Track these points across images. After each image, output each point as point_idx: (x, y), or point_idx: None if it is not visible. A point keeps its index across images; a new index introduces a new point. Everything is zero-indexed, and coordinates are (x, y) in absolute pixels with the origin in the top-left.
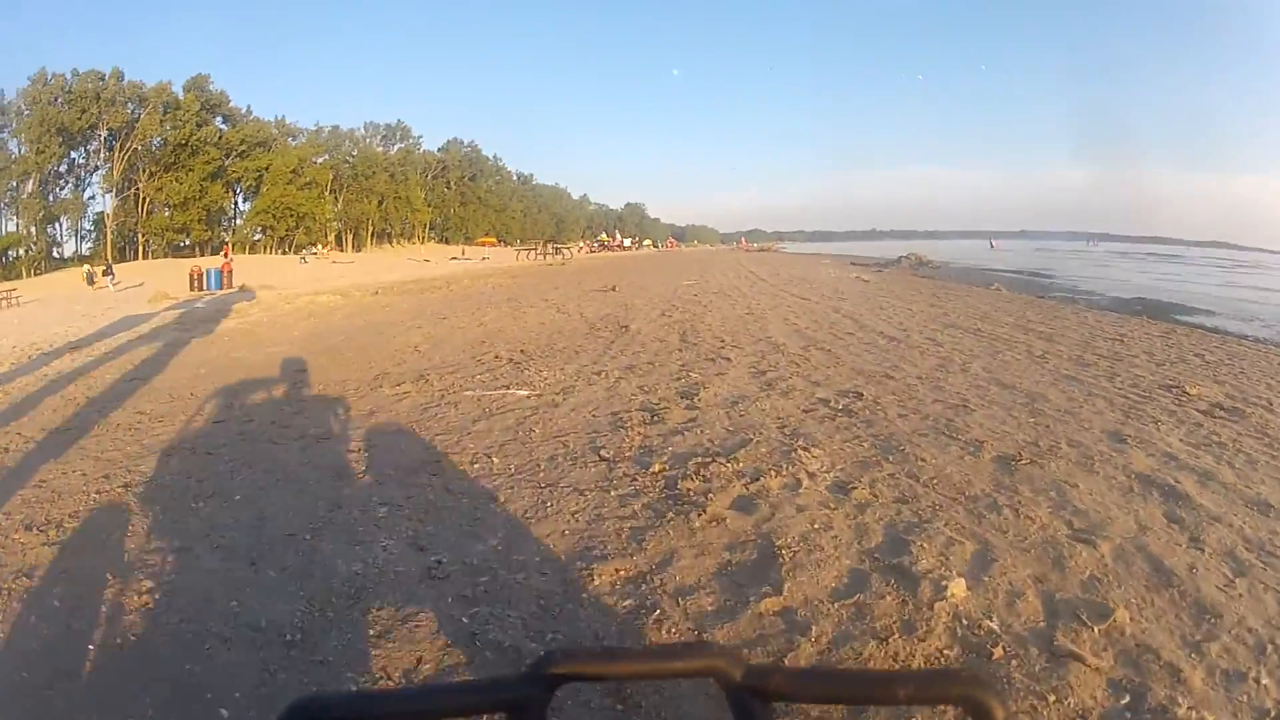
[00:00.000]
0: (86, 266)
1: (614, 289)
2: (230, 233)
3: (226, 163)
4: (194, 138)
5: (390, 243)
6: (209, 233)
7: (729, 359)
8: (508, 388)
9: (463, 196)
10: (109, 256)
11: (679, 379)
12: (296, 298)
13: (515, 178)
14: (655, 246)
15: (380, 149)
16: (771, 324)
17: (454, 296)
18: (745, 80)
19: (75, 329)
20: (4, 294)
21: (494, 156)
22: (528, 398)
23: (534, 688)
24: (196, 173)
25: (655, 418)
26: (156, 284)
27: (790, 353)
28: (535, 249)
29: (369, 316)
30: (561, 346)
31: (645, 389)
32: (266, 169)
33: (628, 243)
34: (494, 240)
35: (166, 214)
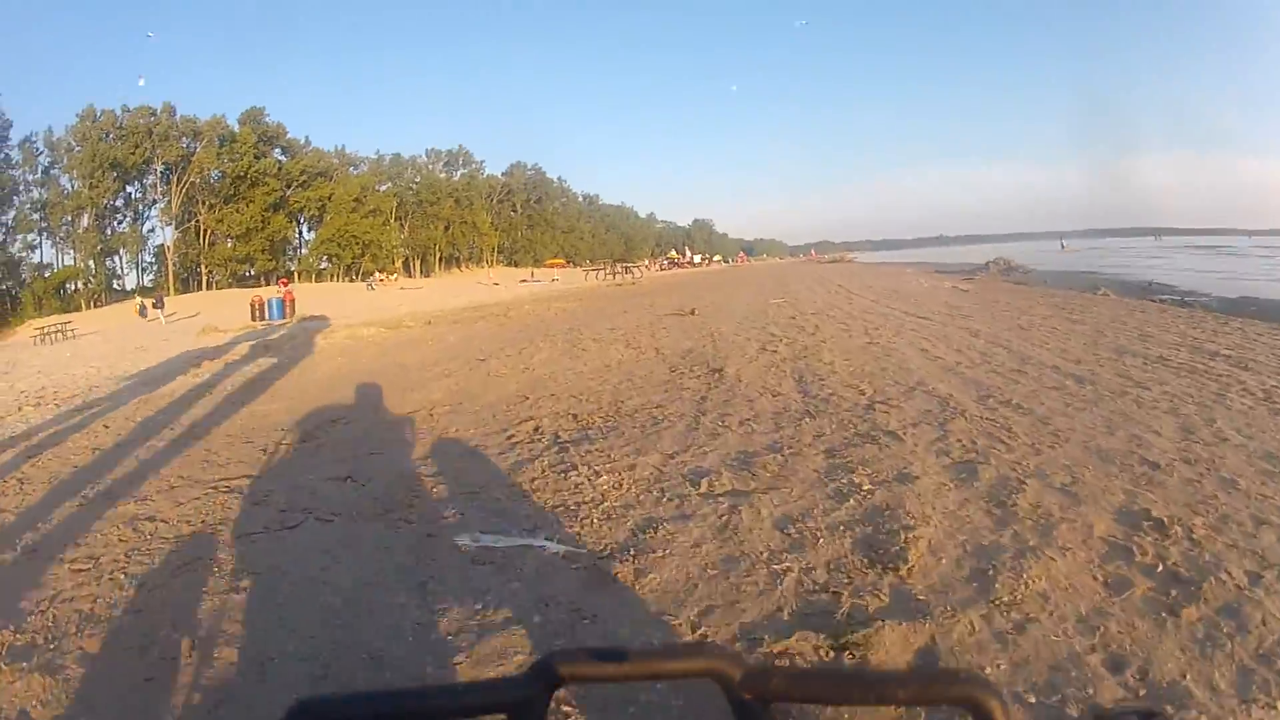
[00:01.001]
0: (139, 299)
1: (693, 312)
2: (295, 262)
3: (288, 193)
4: (252, 169)
5: (459, 267)
6: (274, 262)
7: (894, 432)
8: (534, 534)
9: (529, 219)
10: (171, 288)
11: (838, 490)
12: (336, 331)
13: (581, 199)
14: (725, 262)
15: (444, 175)
16: (910, 359)
17: (509, 326)
18: (804, 91)
19: (96, 375)
20: (58, 327)
21: (559, 178)
22: (562, 559)
23: (534, 688)
24: (257, 203)
25: (841, 649)
26: (215, 315)
27: (974, 416)
28: (604, 269)
29: (404, 355)
30: (632, 407)
31: (790, 527)
32: (329, 198)
33: (697, 259)
34: (563, 261)
35: (229, 245)
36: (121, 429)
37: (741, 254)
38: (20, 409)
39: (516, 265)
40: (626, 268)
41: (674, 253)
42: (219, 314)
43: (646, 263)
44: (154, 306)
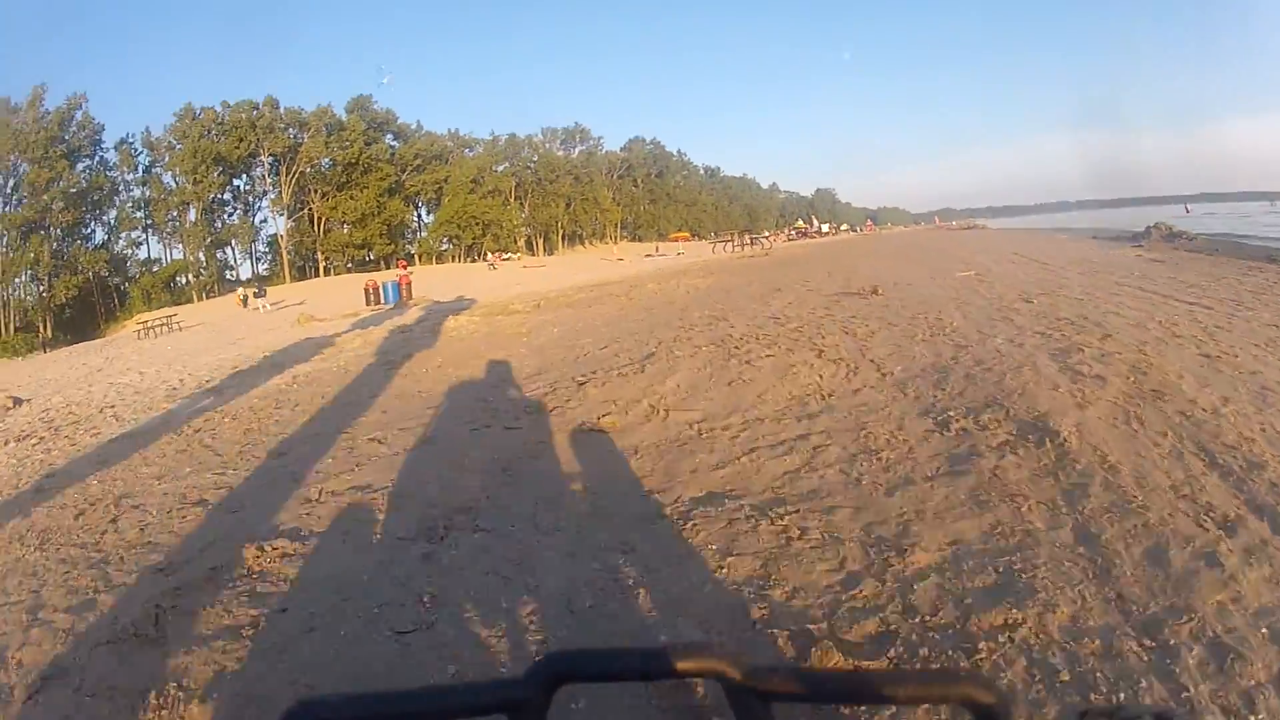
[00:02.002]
0: (240, 289)
1: (876, 292)
2: (415, 245)
3: (403, 178)
4: (364, 156)
5: (582, 244)
6: (392, 246)
7: None
8: None
9: (651, 194)
10: (287, 276)
11: None
12: (426, 321)
13: (702, 171)
14: (852, 231)
15: (561, 153)
16: None
17: (630, 311)
18: (917, 58)
19: (142, 383)
20: (163, 321)
21: (678, 151)
22: None
23: (534, 689)
24: (372, 189)
25: None
26: (325, 302)
27: None
28: (732, 240)
29: (483, 362)
30: (928, 576)
31: None
32: (445, 180)
33: (825, 228)
34: (688, 235)
35: (345, 231)
36: (63, 511)
37: (869, 222)
38: (3, 444)
39: (640, 240)
40: (754, 238)
41: (801, 222)
42: (330, 300)
43: (768, 234)
44: (255, 296)
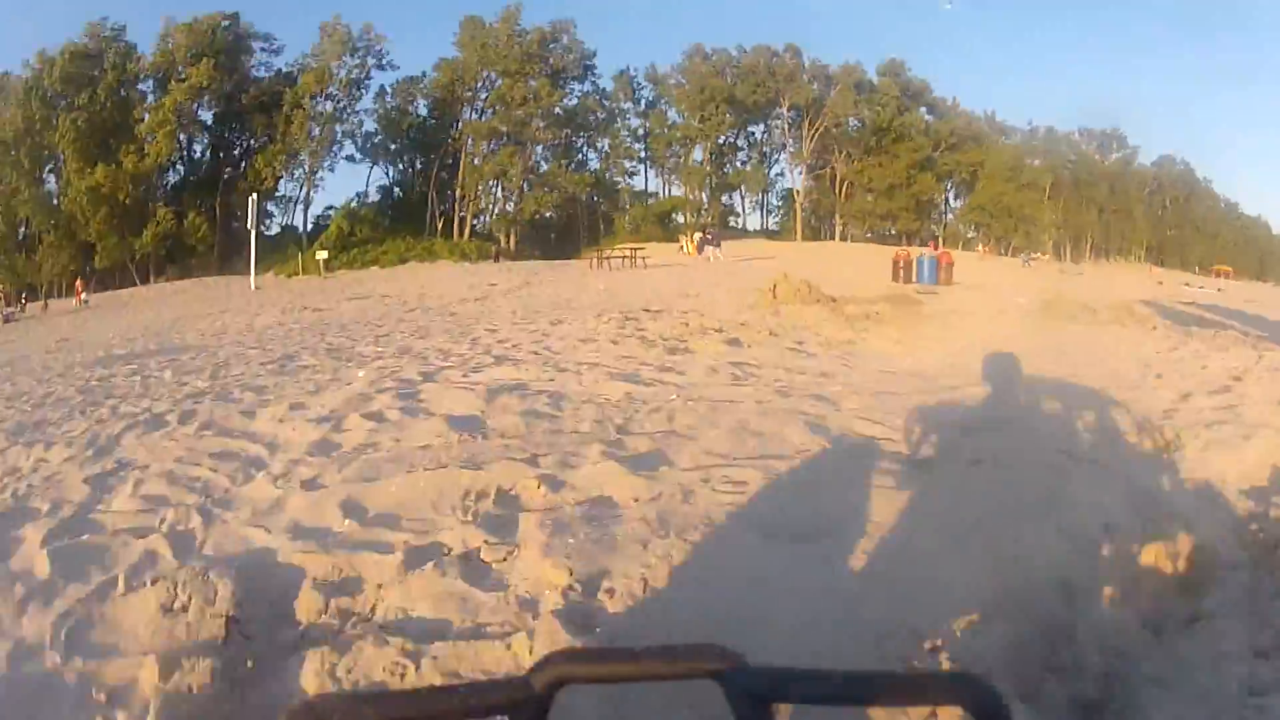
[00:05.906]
0: (697, 234)
1: None
2: (942, 226)
3: (935, 154)
4: (895, 123)
5: (1106, 258)
6: (919, 223)
7: None
8: None
9: (1177, 218)
10: (798, 234)
11: None
12: None
13: (1222, 204)
14: None
15: (1097, 157)
16: None
17: None
18: None
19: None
20: (629, 252)
21: (1204, 179)
22: None
23: (535, 689)
24: (903, 160)
25: None
26: (822, 270)
27: None
28: None
29: None
30: None
31: None
32: (980, 164)
33: None
34: (1229, 269)
35: (870, 198)
36: None
37: None
38: None
39: (1162, 265)
40: None
41: None
42: (830, 268)
43: None
44: (710, 244)
